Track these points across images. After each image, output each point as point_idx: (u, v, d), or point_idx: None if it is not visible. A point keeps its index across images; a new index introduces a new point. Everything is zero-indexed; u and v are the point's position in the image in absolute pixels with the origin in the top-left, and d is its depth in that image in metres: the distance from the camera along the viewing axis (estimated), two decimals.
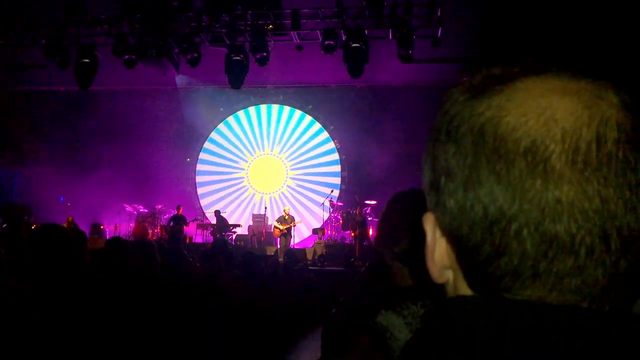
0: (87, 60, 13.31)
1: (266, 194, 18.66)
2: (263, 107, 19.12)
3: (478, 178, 0.57)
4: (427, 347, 0.62)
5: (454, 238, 0.62)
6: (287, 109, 18.94)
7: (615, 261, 0.54)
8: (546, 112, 0.56)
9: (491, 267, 0.58)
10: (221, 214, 16.16)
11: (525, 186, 0.55)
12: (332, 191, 17.19)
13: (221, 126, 19.19)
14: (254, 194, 18.70)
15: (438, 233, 0.65)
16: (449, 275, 0.66)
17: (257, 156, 18.94)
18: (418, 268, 1.73)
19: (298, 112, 18.85)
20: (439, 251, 0.66)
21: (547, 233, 0.54)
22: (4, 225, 10.87)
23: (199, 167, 19.13)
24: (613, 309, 0.57)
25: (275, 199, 18.53)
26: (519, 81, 0.60)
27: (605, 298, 0.56)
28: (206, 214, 17.92)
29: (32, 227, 12.22)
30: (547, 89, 0.58)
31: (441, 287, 0.69)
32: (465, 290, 0.64)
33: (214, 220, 16.36)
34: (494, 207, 0.56)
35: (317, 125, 18.69)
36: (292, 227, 15.42)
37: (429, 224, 0.67)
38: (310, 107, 18.66)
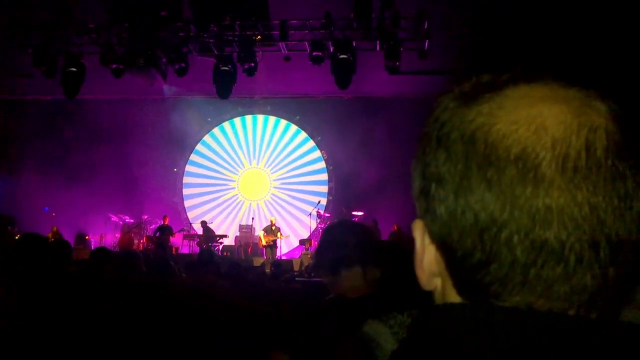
0: (74, 69, 13.23)
1: (254, 200, 18.61)
2: (250, 118, 19.11)
3: (469, 185, 0.58)
4: (415, 356, 0.61)
5: (443, 245, 0.62)
6: (273, 119, 18.96)
7: (604, 268, 0.55)
8: (536, 120, 0.56)
9: (481, 273, 0.58)
10: (208, 225, 16.09)
11: (516, 193, 0.55)
12: (319, 202, 17.18)
13: (208, 137, 19.14)
14: (242, 202, 18.63)
15: (427, 240, 0.65)
16: (437, 282, 0.66)
17: (246, 169, 18.90)
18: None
19: (285, 123, 18.87)
20: (427, 258, 0.65)
21: (537, 240, 0.54)
22: None
23: (186, 177, 19.05)
24: (601, 317, 0.57)
25: (262, 208, 18.47)
26: (509, 89, 0.60)
27: (594, 305, 0.56)
28: (192, 225, 17.82)
29: (16, 238, 12.08)
30: (537, 97, 0.58)
31: (430, 295, 0.68)
32: (453, 297, 0.63)
33: (200, 231, 16.27)
34: (485, 213, 0.56)
35: (305, 136, 18.70)
36: (279, 239, 15.38)
37: (418, 230, 0.67)
38: (298, 117, 18.69)
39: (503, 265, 0.56)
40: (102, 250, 4.45)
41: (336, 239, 2.11)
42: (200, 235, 16.10)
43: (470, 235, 0.58)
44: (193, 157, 19.10)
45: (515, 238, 0.55)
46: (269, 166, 18.80)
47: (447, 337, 0.58)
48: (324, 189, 18.34)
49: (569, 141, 0.55)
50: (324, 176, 18.45)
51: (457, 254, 0.60)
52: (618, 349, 0.53)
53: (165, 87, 15.92)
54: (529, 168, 0.54)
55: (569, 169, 0.54)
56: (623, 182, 0.54)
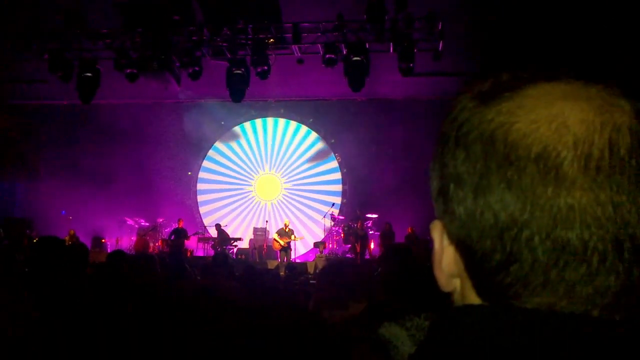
0: (89, 74, 13.35)
1: (268, 201, 18.68)
2: (263, 121, 19.15)
3: (488, 185, 0.57)
4: (434, 358, 0.61)
5: (462, 245, 0.61)
6: (286, 121, 18.98)
7: (627, 269, 0.54)
8: (557, 119, 0.55)
9: (501, 274, 0.57)
10: (222, 228, 16.14)
11: (537, 193, 0.54)
12: (333, 204, 17.18)
13: (222, 140, 19.20)
14: (256, 205, 18.68)
15: (446, 241, 0.64)
16: (456, 283, 0.66)
17: (260, 172, 18.94)
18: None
19: (298, 125, 18.88)
20: (446, 259, 0.65)
21: (558, 240, 0.54)
22: (6, 241, 10.84)
23: (200, 181, 19.13)
24: (625, 318, 0.55)
25: (275, 210, 18.49)
26: (528, 88, 0.59)
27: (618, 306, 0.55)
28: (207, 228, 17.88)
29: (34, 241, 12.19)
30: (558, 95, 0.57)
31: (449, 296, 0.68)
32: (473, 298, 0.63)
33: (215, 234, 16.32)
34: (505, 214, 0.56)
35: (318, 139, 18.70)
36: (293, 242, 15.38)
37: (437, 231, 0.66)
38: (311, 120, 18.69)
39: (524, 266, 0.55)
40: (118, 253, 4.48)
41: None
42: (214, 238, 16.15)
43: (489, 236, 0.57)
44: (207, 160, 19.18)
45: (537, 238, 0.54)
46: (282, 169, 18.83)
47: (467, 339, 0.57)
48: (338, 190, 18.32)
49: (591, 140, 0.54)
50: (338, 178, 18.43)
51: (476, 254, 0.59)
52: None
53: (179, 91, 16.00)
54: (550, 167, 0.54)
55: (592, 168, 0.53)
56: None
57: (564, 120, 0.55)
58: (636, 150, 0.54)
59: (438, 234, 0.66)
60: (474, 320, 0.58)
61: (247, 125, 19.19)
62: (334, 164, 18.54)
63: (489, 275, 0.59)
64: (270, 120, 19.13)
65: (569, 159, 0.53)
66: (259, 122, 19.17)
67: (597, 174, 0.53)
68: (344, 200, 18.11)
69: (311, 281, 10.90)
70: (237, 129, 19.19)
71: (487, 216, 0.57)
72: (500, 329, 0.56)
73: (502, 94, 0.60)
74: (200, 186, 19.11)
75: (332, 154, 18.55)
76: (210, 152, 19.18)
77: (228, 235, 16.14)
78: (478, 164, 0.58)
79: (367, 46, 12.46)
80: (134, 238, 16.62)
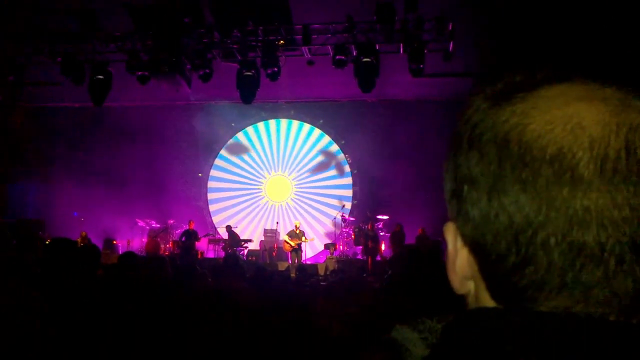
0: (101, 77, 13.45)
1: (277, 202, 18.69)
2: (274, 122, 19.19)
3: (503, 186, 0.56)
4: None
5: (476, 247, 0.61)
6: (296, 123, 19.01)
7: None
8: (573, 120, 0.55)
9: (516, 277, 0.57)
10: (233, 229, 16.17)
11: (552, 194, 0.54)
12: (343, 206, 17.15)
13: (232, 141, 19.26)
14: (267, 206, 18.71)
15: (459, 243, 0.64)
16: (470, 286, 0.65)
17: (271, 173, 18.97)
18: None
19: (309, 127, 18.89)
20: (460, 261, 0.64)
21: (575, 242, 0.53)
22: (14, 240, 10.92)
23: (211, 181, 19.19)
24: None
25: (286, 212, 18.50)
26: (543, 88, 0.59)
27: (635, 309, 0.54)
28: (218, 229, 17.93)
29: (46, 242, 12.25)
30: (573, 96, 0.57)
31: (463, 298, 0.67)
32: (487, 301, 0.62)
33: (225, 236, 16.36)
34: (520, 215, 0.55)
35: (328, 140, 18.71)
36: (303, 243, 15.38)
37: (450, 233, 0.66)
38: (321, 121, 18.69)
39: (539, 268, 0.55)
40: (130, 254, 4.50)
41: None
42: (225, 239, 16.19)
43: (504, 238, 0.56)
44: (218, 161, 19.23)
45: (552, 240, 0.54)
46: (293, 170, 18.84)
47: (481, 343, 0.57)
48: (349, 192, 18.31)
49: (607, 141, 0.53)
50: (349, 180, 18.43)
51: (490, 256, 0.59)
52: None
53: (190, 93, 16.06)
54: (565, 168, 0.53)
55: (608, 169, 0.52)
56: None
57: (580, 121, 0.54)
58: None
59: (452, 236, 0.65)
60: (489, 324, 0.57)
61: (259, 126, 19.22)
62: (344, 165, 18.52)
63: (504, 277, 0.58)
64: (280, 122, 19.16)
65: (584, 160, 0.53)
66: (271, 123, 19.19)
67: (613, 176, 0.52)
68: (355, 202, 18.10)
69: (321, 282, 10.90)
70: (247, 130, 19.22)
71: (502, 218, 0.56)
72: (516, 333, 0.55)
73: (516, 95, 0.60)
74: (210, 187, 19.16)
75: (343, 155, 18.54)
76: (221, 154, 19.23)
77: (238, 237, 16.17)
78: (492, 165, 0.57)
79: (377, 47, 12.44)
80: (145, 240, 16.69)
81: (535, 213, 0.54)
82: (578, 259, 0.53)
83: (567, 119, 0.55)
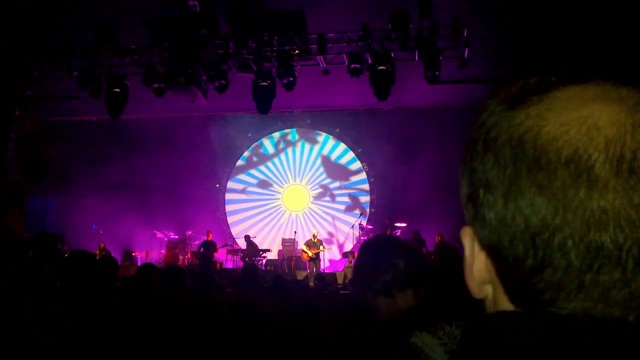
0: (117, 90, 13.58)
1: (294, 212, 18.77)
2: (290, 132, 19.27)
3: (519, 189, 0.56)
4: None
5: (494, 251, 0.60)
6: (309, 131, 19.09)
7: None
8: (588, 121, 0.54)
9: (534, 280, 0.57)
10: (251, 239, 16.22)
11: (569, 196, 0.53)
12: (361, 214, 17.11)
13: (249, 152, 19.38)
14: (284, 216, 18.77)
15: (477, 247, 0.64)
16: (488, 290, 0.65)
17: (289, 182, 19.04)
18: (422, 288, 1.98)
19: (325, 136, 18.94)
20: (477, 265, 0.64)
21: (592, 244, 0.53)
22: (30, 252, 11.03)
23: (229, 192, 19.29)
24: None
25: (303, 221, 18.53)
26: (557, 90, 0.59)
27: None
28: (236, 240, 18.00)
29: (65, 256, 12.37)
30: (587, 97, 0.57)
31: (481, 303, 0.67)
32: (506, 305, 0.62)
33: (244, 246, 16.41)
34: (536, 218, 0.55)
35: (345, 148, 18.74)
36: (321, 252, 15.37)
37: (467, 237, 0.66)
38: (338, 130, 18.73)
39: (557, 270, 0.55)
40: (149, 266, 4.51)
41: (386, 260, 2.11)
42: (243, 249, 16.24)
43: (521, 241, 0.56)
44: (235, 172, 19.33)
45: (569, 242, 0.53)
46: (310, 180, 18.89)
47: (502, 346, 0.56)
48: (366, 200, 18.31)
49: (623, 141, 0.53)
50: (366, 188, 18.42)
51: (508, 260, 0.58)
52: None
53: (207, 104, 16.19)
54: (581, 170, 0.53)
55: (625, 170, 0.52)
56: None
57: (595, 122, 0.54)
58: None
59: (469, 241, 0.65)
60: (509, 327, 0.58)
61: (275, 136, 19.32)
62: (362, 174, 18.53)
63: (522, 280, 0.58)
64: (297, 131, 19.23)
65: (600, 161, 0.53)
66: (286, 133, 19.29)
67: (630, 176, 0.52)
68: (372, 210, 18.08)
69: (341, 292, 10.87)
70: (264, 140, 19.33)
71: (519, 221, 0.56)
72: (536, 336, 0.55)
73: (531, 98, 0.60)
74: (228, 199, 19.25)
75: (359, 163, 18.55)
76: (238, 164, 19.33)
77: (257, 247, 16.22)
78: (508, 168, 0.57)
79: (392, 55, 12.44)
80: (163, 251, 16.79)
81: (552, 215, 0.54)
82: (596, 260, 0.53)
83: (582, 120, 0.55)
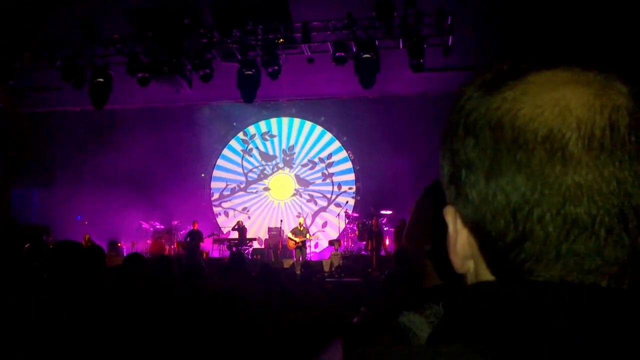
0: (101, 80, 13.47)
1: (282, 201, 18.80)
2: (275, 121, 19.23)
3: (499, 168, 0.60)
4: (451, 334, 0.63)
5: (476, 227, 0.64)
6: (298, 121, 19.05)
7: (633, 239, 0.57)
8: (560, 103, 0.59)
9: (515, 252, 0.60)
10: (243, 225, 16.31)
11: (546, 173, 0.57)
12: (347, 202, 17.15)
13: (234, 141, 19.32)
14: (270, 204, 18.77)
15: (459, 224, 0.67)
16: (470, 265, 0.68)
17: (274, 171, 19.03)
18: (442, 268, 1.76)
19: (310, 124, 18.93)
20: (460, 241, 0.68)
21: (568, 216, 0.57)
22: (27, 245, 10.96)
23: (214, 181, 19.25)
24: (632, 286, 0.58)
25: (289, 209, 18.54)
26: (530, 75, 0.63)
27: (625, 276, 0.58)
28: (222, 229, 17.98)
29: (50, 247, 12.28)
30: (559, 81, 0.61)
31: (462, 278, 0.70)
32: (487, 277, 0.66)
33: (231, 234, 16.43)
34: (517, 194, 0.59)
35: (331, 137, 18.73)
36: (308, 240, 15.40)
37: (450, 216, 0.69)
38: (323, 118, 18.72)
39: (536, 242, 0.58)
40: (136, 255, 4.51)
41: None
42: (229, 238, 16.32)
43: (503, 216, 0.60)
44: (220, 161, 19.28)
45: (547, 216, 0.57)
46: (296, 168, 18.88)
47: (482, 313, 0.60)
48: (352, 189, 18.34)
49: (593, 121, 0.57)
50: (351, 176, 18.45)
51: (490, 235, 0.62)
52: None
53: (191, 94, 16.11)
54: (556, 148, 0.57)
55: (595, 147, 0.56)
56: None
57: (567, 104, 0.58)
58: (635, 128, 0.57)
59: (452, 219, 0.69)
60: (489, 294, 0.61)
61: (261, 124, 19.28)
62: (348, 163, 18.55)
63: (504, 253, 0.61)
64: (282, 120, 19.19)
65: (573, 139, 0.57)
66: (273, 121, 19.25)
67: (600, 152, 0.56)
68: (358, 198, 18.12)
69: (327, 279, 10.92)
70: (249, 129, 19.27)
71: (500, 198, 0.60)
72: (515, 300, 0.59)
73: (506, 83, 0.63)
74: (214, 187, 19.21)
75: (345, 151, 18.56)
76: (223, 154, 19.28)
77: (245, 235, 16.26)
78: (488, 149, 0.61)
79: (376, 43, 12.44)
80: (149, 241, 16.74)
81: (531, 191, 0.58)
82: (572, 231, 0.57)
83: (555, 102, 0.59)
